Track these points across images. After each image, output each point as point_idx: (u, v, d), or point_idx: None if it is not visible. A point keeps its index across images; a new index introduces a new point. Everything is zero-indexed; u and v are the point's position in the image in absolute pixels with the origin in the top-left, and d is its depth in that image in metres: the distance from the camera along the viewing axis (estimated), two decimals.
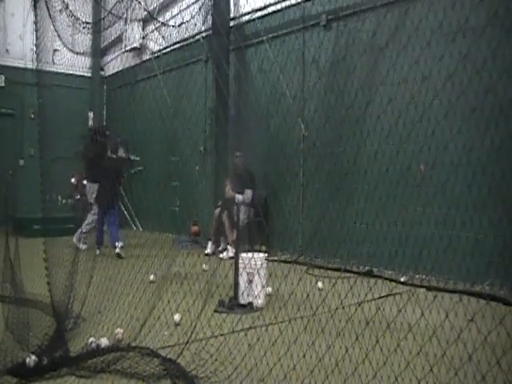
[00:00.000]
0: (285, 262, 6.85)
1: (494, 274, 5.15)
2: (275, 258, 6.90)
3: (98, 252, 7.67)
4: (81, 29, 7.05)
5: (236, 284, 4.77)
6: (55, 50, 9.16)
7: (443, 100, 4.94)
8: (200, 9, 8.05)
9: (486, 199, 4.97)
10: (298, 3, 7.82)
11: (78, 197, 10.45)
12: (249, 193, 7.88)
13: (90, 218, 8.20)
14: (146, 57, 11.67)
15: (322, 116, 7.11)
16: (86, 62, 10.78)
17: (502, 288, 5.11)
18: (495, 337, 2.96)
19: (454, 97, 4.41)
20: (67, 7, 6.52)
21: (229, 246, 7.66)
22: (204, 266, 6.52)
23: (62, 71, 10.41)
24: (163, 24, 8.70)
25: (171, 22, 8.33)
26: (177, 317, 4.11)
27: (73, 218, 9.92)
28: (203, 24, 8.19)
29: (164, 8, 10.53)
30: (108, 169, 7.92)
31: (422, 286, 5.47)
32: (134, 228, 12.04)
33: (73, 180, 10.50)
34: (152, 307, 3.85)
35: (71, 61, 8.91)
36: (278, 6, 8.18)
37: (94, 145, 8.63)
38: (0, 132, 11.59)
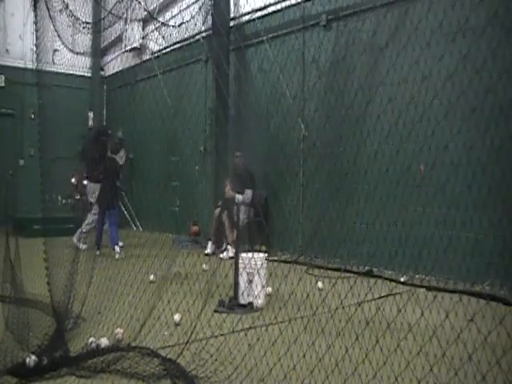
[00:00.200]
0: (285, 262, 6.85)
1: (494, 274, 5.15)
2: (275, 258, 6.90)
3: (97, 252, 7.67)
4: (81, 29, 7.06)
5: (236, 284, 4.77)
6: (55, 50, 9.17)
7: (443, 100, 4.94)
8: (200, 9, 8.05)
9: (486, 199, 4.97)
10: (298, 3, 7.82)
11: (78, 197, 10.47)
12: (249, 193, 7.88)
13: (90, 217, 8.19)
14: (146, 57, 11.67)
15: (322, 116, 7.11)
16: (86, 62, 10.79)
17: (502, 288, 5.11)
18: (495, 337, 2.96)
19: (453, 97, 4.41)
20: (67, 7, 6.52)
21: (229, 246, 7.65)
22: (204, 266, 6.52)
23: (62, 71, 10.42)
24: (163, 24, 8.70)
25: (171, 22, 8.32)
26: (177, 317, 4.11)
27: (73, 218, 9.92)
28: (203, 24, 8.19)
29: (164, 8, 10.53)
30: (108, 169, 7.93)
31: (421, 286, 5.47)
32: (134, 228, 12.04)
33: (73, 180, 10.51)
34: (152, 307, 3.85)
35: (71, 61, 8.93)
36: (278, 6, 8.18)
37: (95, 144, 8.65)
38: (0, 132, 11.60)
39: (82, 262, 4.85)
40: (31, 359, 3.03)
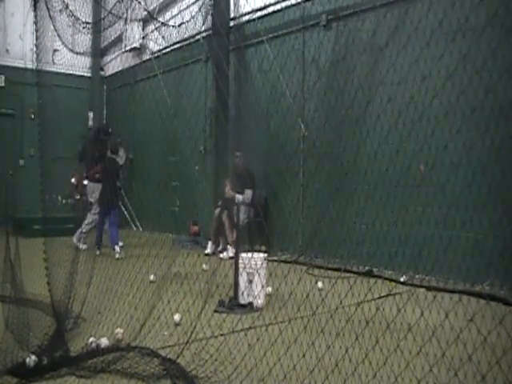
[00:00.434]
0: (285, 262, 6.84)
1: (494, 274, 5.15)
2: (275, 258, 6.90)
3: (98, 252, 7.67)
4: (81, 29, 7.06)
5: (236, 284, 4.77)
6: (55, 50, 9.17)
7: (443, 100, 4.94)
8: (200, 9, 8.05)
9: (486, 199, 4.98)
10: (298, 3, 7.82)
11: (78, 197, 10.46)
12: (249, 193, 7.88)
13: (90, 217, 8.20)
14: (145, 57, 11.68)
15: (321, 116, 7.11)
16: (86, 62, 10.77)
17: (502, 288, 5.11)
18: (495, 337, 2.97)
19: (453, 97, 4.41)
20: (67, 7, 6.52)
21: (229, 246, 7.66)
22: (204, 266, 6.52)
23: (62, 71, 10.43)
24: (163, 24, 8.69)
25: (171, 22, 8.32)
26: (177, 317, 4.11)
27: (73, 218, 9.92)
28: (203, 24, 8.19)
29: (164, 8, 10.53)
30: (108, 169, 7.93)
31: (421, 286, 5.47)
32: (134, 228, 12.04)
33: (73, 180, 10.50)
34: (152, 307, 3.85)
35: (71, 61, 8.92)
36: (278, 6, 8.18)
37: (95, 143, 8.65)
38: (0, 132, 11.60)
39: (81, 262, 4.85)
40: (31, 359, 3.03)
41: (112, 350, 3.35)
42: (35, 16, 5.78)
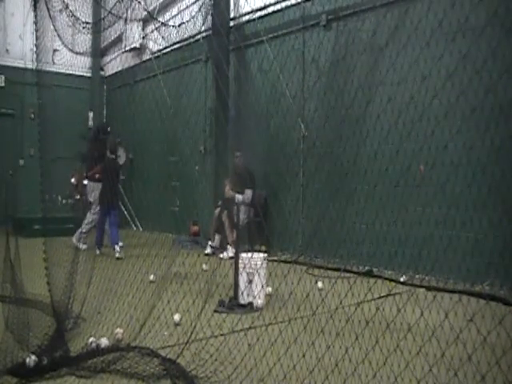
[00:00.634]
0: (285, 262, 6.85)
1: (493, 274, 5.15)
2: (275, 258, 6.90)
3: (97, 252, 7.68)
4: (81, 29, 7.05)
5: (236, 284, 4.77)
6: (55, 50, 9.18)
7: (443, 100, 4.94)
8: (200, 9, 8.05)
9: (486, 199, 4.98)
10: (298, 3, 7.82)
11: (78, 197, 10.46)
12: (249, 193, 7.88)
13: (90, 217, 8.19)
14: (145, 57, 11.68)
15: (321, 116, 7.11)
16: (86, 62, 10.77)
17: (502, 288, 5.11)
18: (495, 337, 2.97)
19: (453, 97, 4.41)
20: (67, 7, 6.52)
21: (229, 246, 7.66)
22: (204, 266, 6.52)
23: (62, 71, 10.43)
24: (163, 24, 8.69)
25: (171, 22, 8.32)
26: (177, 317, 4.11)
27: (73, 218, 9.92)
28: (203, 24, 8.18)
29: (164, 8, 10.54)
30: (108, 169, 7.93)
31: (421, 286, 5.47)
32: (134, 228, 12.04)
33: (73, 180, 10.50)
34: (152, 307, 3.85)
35: (71, 61, 8.91)
36: (278, 6, 8.18)
37: (94, 143, 8.65)
38: (0, 132, 11.60)
39: (81, 262, 4.85)
40: (31, 359, 3.04)
41: (112, 349, 3.35)
42: (35, 16, 5.78)
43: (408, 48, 5.33)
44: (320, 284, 5.38)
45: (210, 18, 8.14)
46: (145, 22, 11.31)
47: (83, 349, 3.38)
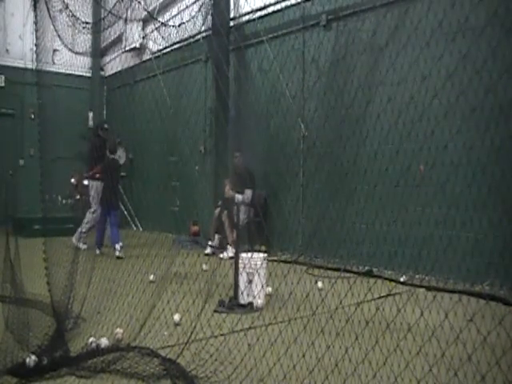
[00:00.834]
0: (285, 262, 6.85)
1: (493, 274, 5.15)
2: (275, 258, 6.90)
3: (97, 252, 7.68)
4: (81, 29, 7.04)
5: (236, 284, 4.77)
6: (55, 50, 9.17)
7: (443, 100, 4.94)
8: (200, 9, 8.04)
9: (486, 199, 4.98)
10: (298, 3, 7.82)
11: (78, 197, 10.46)
12: (249, 193, 7.88)
13: (90, 216, 8.19)
14: (145, 57, 11.68)
15: (321, 116, 7.11)
16: (86, 62, 10.78)
17: (502, 288, 5.11)
18: (495, 337, 2.97)
19: (453, 97, 4.41)
20: (67, 7, 6.51)
21: (229, 246, 7.66)
22: (204, 266, 6.52)
23: (62, 71, 10.42)
24: (163, 24, 8.69)
25: (171, 22, 8.32)
26: (177, 317, 4.11)
27: (73, 217, 9.92)
28: (203, 24, 8.18)
29: (164, 8, 10.54)
30: (108, 169, 7.92)
31: (421, 286, 5.47)
32: (134, 228, 12.04)
33: (73, 180, 10.51)
34: (152, 307, 3.85)
35: (71, 61, 8.91)
36: (278, 6, 8.18)
37: (95, 141, 8.65)
38: (0, 132, 11.60)
39: (81, 262, 4.85)
40: (31, 359, 3.04)
41: (112, 350, 3.35)
42: (35, 16, 5.77)
43: (408, 48, 5.33)
44: (320, 284, 5.38)
45: (209, 17, 8.13)
46: (145, 22, 11.30)
47: (83, 349, 3.38)
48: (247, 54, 8.87)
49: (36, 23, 5.78)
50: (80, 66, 10.41)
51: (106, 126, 9.02)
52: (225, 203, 8.01)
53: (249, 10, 8.66)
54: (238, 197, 7.81)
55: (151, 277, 5.59)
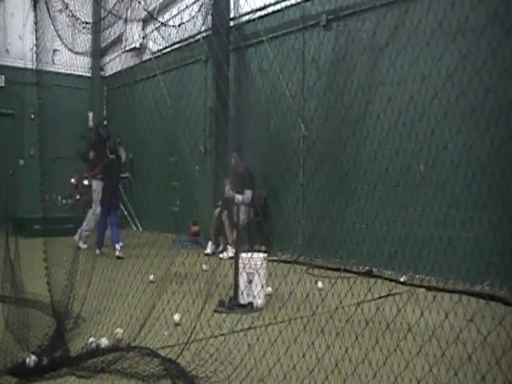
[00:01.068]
0: (285, 262, 6.85)
1: (493, 274, 5.15)
2: (275, 258, 6.90)
3: (98, 252, 7.68)
4: (81, 29, 7.04)
5: (236, 284, 4.77)
6: (55, 50, 9.15)
7: (443, 100, 4.94)
8: (200, 9, 8.05)
9: (486, 199, 4.98)
10: (298, 3, 7.82)
11: (78, 197, 10.47)
12: (248, 193, 7.88)
13: (89, 215, 8.19)
14: (145, 57, 11.67)
15: (321, 116, 7.11)
16: (86, 61, 10.77)
17: (502, 288, 5.11)
18: (495, 337, 2.97)
19: (453, 97, 4.41)
20: (67, 7, 6.51)
21: (229, 246, 7.66)
22: (204, 266, 6.52)
23: (62, 71, 10.41)
24: (163, 24, 8.69)
25: (171, 22, 8.32)
26: (177, 317, 4.11)
27: (73, 217, 9.92)
28: (203, 24, 8.18)
29: (164, 8, 10.53)
30: (108, 168, 7.92)
31: (421, 286, 5.47)
32: (134, 228, 12.04)
33: (73, 180, 10.51)
34: (152, 307, 3.85)
35: (71, 61, 8.90)
36: (278, 6, 8.18)
37: (95, 139, 8.66)
38: (0, 132, 11.60)
39: (81, 262, 4.85)
40: (31, 359, 3.04)
41: (112, 350, 3.35)
42: (35, 16, 5.77)
43: (408, 48, 5.33)
44: (320, 284, 5.38)
45: (209, 17, 8.14)
46: (145, 22, 11.30)
47: (83, 349, 3.38)
48: (247, 54, 8.87)
49: (36, 23, 5.78)
50: (80, 66, 10.39)
51: (105, 122, 9.02)
52: (225, 203, 8.01)
53: (249, 9, 8.67)
54: (238, 197, 7.81)
55: (151, 277, 5.59)
